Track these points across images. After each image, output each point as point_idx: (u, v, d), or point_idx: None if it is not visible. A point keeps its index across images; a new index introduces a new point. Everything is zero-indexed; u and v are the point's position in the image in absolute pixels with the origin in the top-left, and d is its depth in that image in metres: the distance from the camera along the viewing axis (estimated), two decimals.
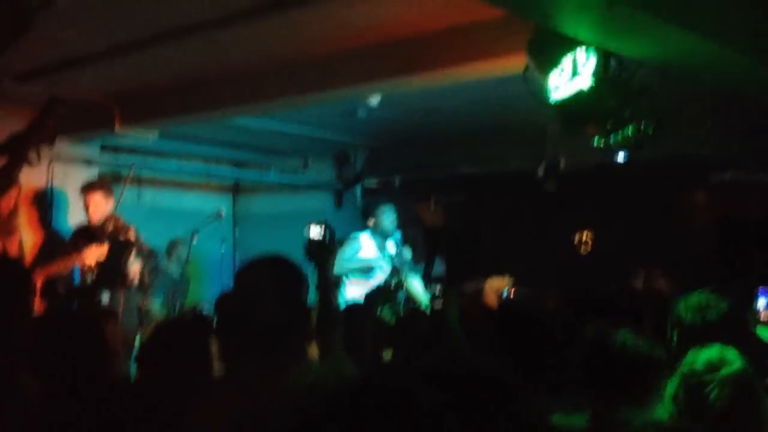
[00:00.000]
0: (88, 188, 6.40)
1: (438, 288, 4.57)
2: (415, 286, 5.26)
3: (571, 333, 2.94)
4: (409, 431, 1.30)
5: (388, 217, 6.96)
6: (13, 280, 3.11)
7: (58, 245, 6.37)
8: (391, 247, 6.94)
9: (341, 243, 6.59)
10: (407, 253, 6.97)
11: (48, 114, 5.24)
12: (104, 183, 6.70)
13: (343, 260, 6.65)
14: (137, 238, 6.07)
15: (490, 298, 4.48)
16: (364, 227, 7.19)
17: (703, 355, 2.72)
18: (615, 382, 2.66)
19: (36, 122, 5.13)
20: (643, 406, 2.63)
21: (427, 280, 4.80)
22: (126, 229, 6.01)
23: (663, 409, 2.68)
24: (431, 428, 1.31)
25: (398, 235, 6.99)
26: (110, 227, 6.03)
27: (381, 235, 6.96)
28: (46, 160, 7.19)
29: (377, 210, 7.06)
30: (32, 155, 5.15)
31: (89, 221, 6.32)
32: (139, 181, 9.34)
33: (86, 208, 6.31)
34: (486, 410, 1.76)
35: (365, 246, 6.91)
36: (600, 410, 2.66)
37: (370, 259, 6.83)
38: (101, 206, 6.29)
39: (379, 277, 6.81)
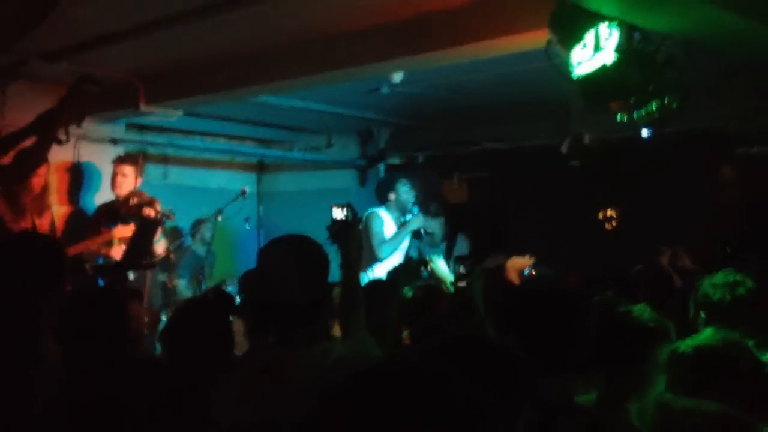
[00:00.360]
0: (120, 160, 6.49)
1: (462, 267, 4.53)
2: (440, 264, 5.22)
3: (588, 311, 2.95)
4: (429, 413, 1.30)
5: (406, 191, 6.88)
6: (46, 256, 3.16)
7: (85, 223, 6.45)
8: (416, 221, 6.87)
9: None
10: (436, 227, 6.88)
11: (76, 92, 5.26)
12: (137, 158, 6.80)
13: (383, 240, 6.61)
14: (164, 211, 6.13)
15: (512, 277, 4.46)
16: (380, 203, 7.08)
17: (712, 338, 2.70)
18: (620, 353, 2.67)
19: (65, 100, 5.16)
20: (648, 381, 2.63)
21: (450, 258, 4.77)
22: (151, 202, 6.07)
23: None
24: (451, 411, 1.31)
25: (416, 209, 6.90)
26: (135, 201, 6.10)
27: (399, 210, 6.89)
28: (73, 138, 7.27)
29: (396, 184, 6.97)
30: (61, 134, 5.19)
31: (115, 194, 6.39)
32: (164, 159, 9.41)
33: (114, 179, 6.39)
34: (507, 389, 1.78)
35: (386, 222, 6.85)
36: (608, 385, 2.68)
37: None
38: (129, 180, 6.37)
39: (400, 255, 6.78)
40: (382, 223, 6.78)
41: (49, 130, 5.06)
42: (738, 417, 1.82)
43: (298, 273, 2.79)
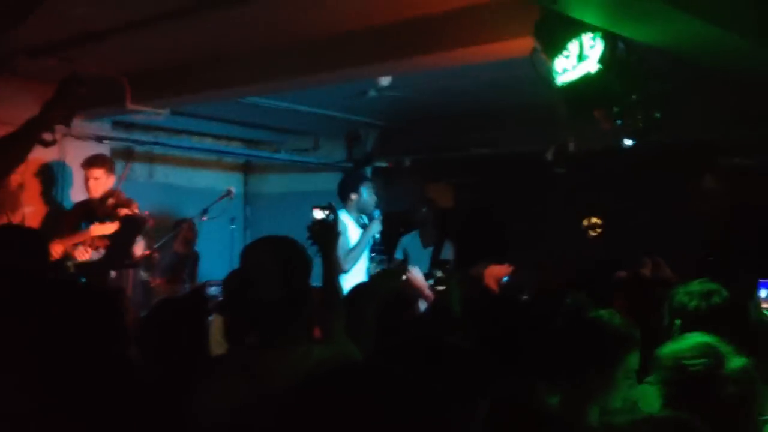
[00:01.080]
0: (88, 164, 6.44)
1: (440, 271, 4.53)
2: (415, 271, 5.14)
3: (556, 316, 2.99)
4: (402, 416, 1.33)
5: (369, 194, 6.72)
6: (28, 245, 3.16)
7: (60, 221, 6.42)
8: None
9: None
10: (376, 228, 6.66)
11: (63, 93, 5.23)
12: (105, 159, 6.75)
13: (347, 250, 6.39)
14: (141, 214, 6.12)
15: (490, 284, 4.48)
16: (341, 202, 6.79)
17: (694, 344, 2.71)
18: (588, 357, 2.70)
19: (51, 102, 5.14)
20: (612, 386, 2.67)
21: (436, 264, 4.75)
22: (129, 203, 6.05)
23: (649, 398, 2.70)
24: (408, 407, 1.34)
25: (378, 213, 6.69)
26: (112, 202, 6.08)
27: (359, 211, 6.72)
28: (58, 135, 7.24)
29: (360, 185, 6.78)
30: (48, 136, 5.17)
31: (89, 196, 6.37)
32: (151, 158, 9.40)
33: (86, 183, 6.36)
34: (462, 386, 1.81)
35: (349, 226, 6.63)
36: (573, 388, 2.71)
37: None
38: (101, 182, 6.34)
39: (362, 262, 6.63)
40: (345, 229, 6.50)
41: (34, 132, 5.04)
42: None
43: (280, 274, 2.79)
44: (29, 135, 4.88)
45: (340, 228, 6.29)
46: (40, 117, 4.87)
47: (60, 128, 6.57)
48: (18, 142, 4.89)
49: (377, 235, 6.61)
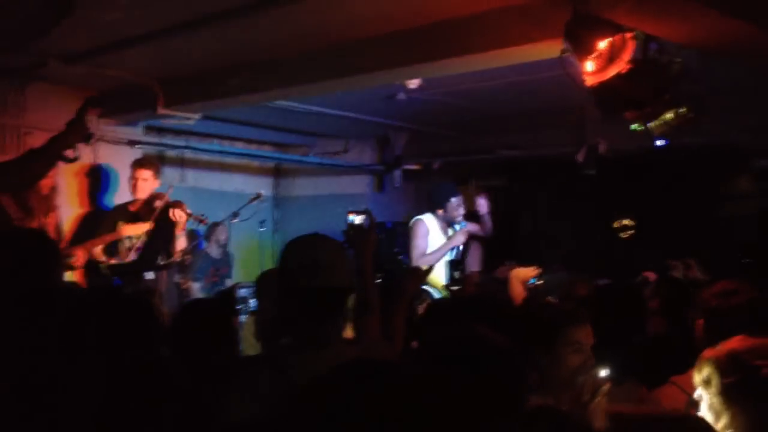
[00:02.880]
0: (138, 164, 6.51)
1: (456, 272, 4.52)
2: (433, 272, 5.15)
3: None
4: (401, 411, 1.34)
5: (456, 206, 6.75)
6: (39, 252, 3.20)
7: (99, 224, 6.50)
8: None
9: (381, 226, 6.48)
10: (459, 239, 6.75)
11: (84, 112, 5.39)
12: (154, 161, 6.83)
13: (423, 254, 6.48)
14: (196, 214, 6.19)
15: (516, 287, 4.45)
16: (428, 210, 6.88)
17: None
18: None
19: (73, 122, 5.29)
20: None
21: (464, 266, 4.73)
22: (178, 205, 6.09)
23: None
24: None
25: (464, 224, 6.76)
26: (160, 203, 6.14)
27: (445, 221, 6.76)
28: (93, 140, 7.35)
29: (449, 199, 6.77)
30: (70, 153, 5.33)
31: (135, 197, 6.43)
32: (182, 162, 9.48)
33: (133, 183, 6.43)
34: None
35: (432, 230, 6.71)
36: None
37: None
38: (149, 183, 6.40)
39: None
40: (426, 233, 6.64)
41: (58, 150, 5.20)
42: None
43: (319, 271, 2.78)
44: (51, 152, 5.04)
45: (418, 235, 6.40)
46: (61, 136, 5.04)
47: (95, 132, 6.73)
48: (40, 158, 5.05)
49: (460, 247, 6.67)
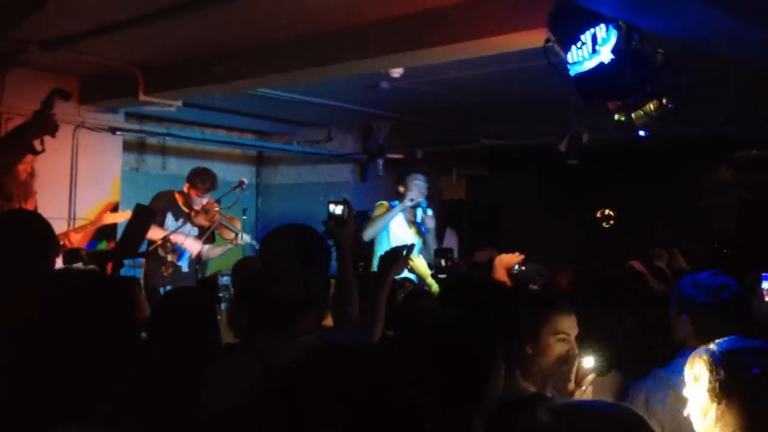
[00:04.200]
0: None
1: (443, 260, 4.52)
2: (419, 261, 5.17)
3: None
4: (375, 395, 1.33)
5: (417, 186, 6.87)
6: (36, 231, 3.19)
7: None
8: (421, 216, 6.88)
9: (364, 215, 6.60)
10: (430, 222, 6.86)
11: (50, 105, 5.37)
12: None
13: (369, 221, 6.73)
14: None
15: (500, 273, 4.47)
16: (395, 197, 7.04)
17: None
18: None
19: (38, 114, 5.27)
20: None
21: (439, 253, 4.74)
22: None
23: None
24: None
25: (425, 203, 6.87)
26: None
27: (409, 206, 6.85)
28: (72, 126, 7.29)
29: (407, 178, 6.94)
30: (37, 144, 5.32)
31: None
32: (163, 149, 9.43)
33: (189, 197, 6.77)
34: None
35: (396, 217, 6.86)
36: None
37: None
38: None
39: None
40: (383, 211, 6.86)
41: (24, 140, 5.19)
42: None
43: (300, 261, 2.79)
44: (17, 145, 5.03)
45: (375, 212, 6.55)
46: (27, 128, 5.02)
47: (73, 117, 6.73)
48: (5, 151, 5.04)
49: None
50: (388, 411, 1.31)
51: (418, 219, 6.88)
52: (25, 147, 5.07)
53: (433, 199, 7.84)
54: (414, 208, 6.88)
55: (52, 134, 5.27)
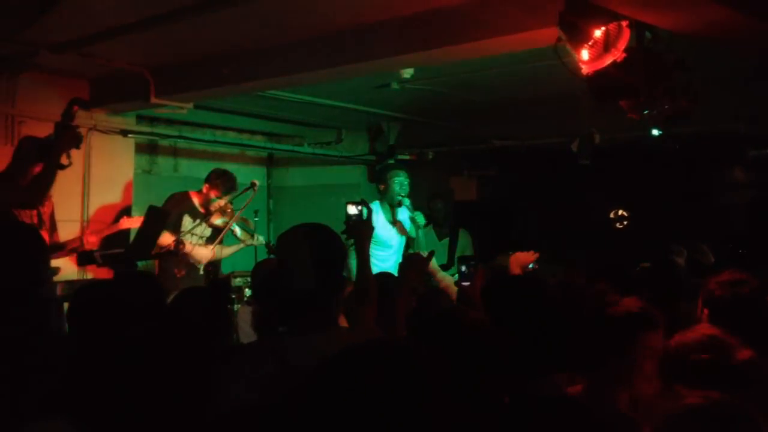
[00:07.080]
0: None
1: (465, 267, 4.47)
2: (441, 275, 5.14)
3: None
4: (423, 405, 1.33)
5: (397, 183, 6.74)
6: (24, 244, 3.23)
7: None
8: (403, 215, 6.77)
9: None
10: (420, 219, 6.72)
11: (71, 116, 5.44)
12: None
13: None
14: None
15: (515, 271, 4.47)
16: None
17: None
18: (606, 341, 2.71)
19: (62, 127, 5.34)
20: (634, 368, 2.68)
21: (462, 260, 4.69)
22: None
23: None
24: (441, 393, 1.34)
25: (408, 201, 6.69)
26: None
27: (389, 202, 6.77)
28: (84, 129, 7.31)
29: (386, 174, 6.83)
30: (64, 159, 5.41)
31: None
32: (175, 152, 9.44)
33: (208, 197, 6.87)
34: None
35: (378, 217, 6.69)
36: (592, 373, 2.72)
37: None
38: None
39: (392, 250, 6.74)
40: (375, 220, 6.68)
41: (54, 161, 5.29)
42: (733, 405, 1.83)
43: (315, 260, 2.79)
44: (51, 168, 5.15)
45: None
46: (54, 148, 5.13)
47: (85, 121, 6.78)
48: (44, 179, 5.17)
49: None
50: (424, 406, 1.31)
51: (401, 217, 6.79)
52: (56, 167, 5.20)
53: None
54: (397, 206, 6.77)
55: (78, 147, 5.37)
